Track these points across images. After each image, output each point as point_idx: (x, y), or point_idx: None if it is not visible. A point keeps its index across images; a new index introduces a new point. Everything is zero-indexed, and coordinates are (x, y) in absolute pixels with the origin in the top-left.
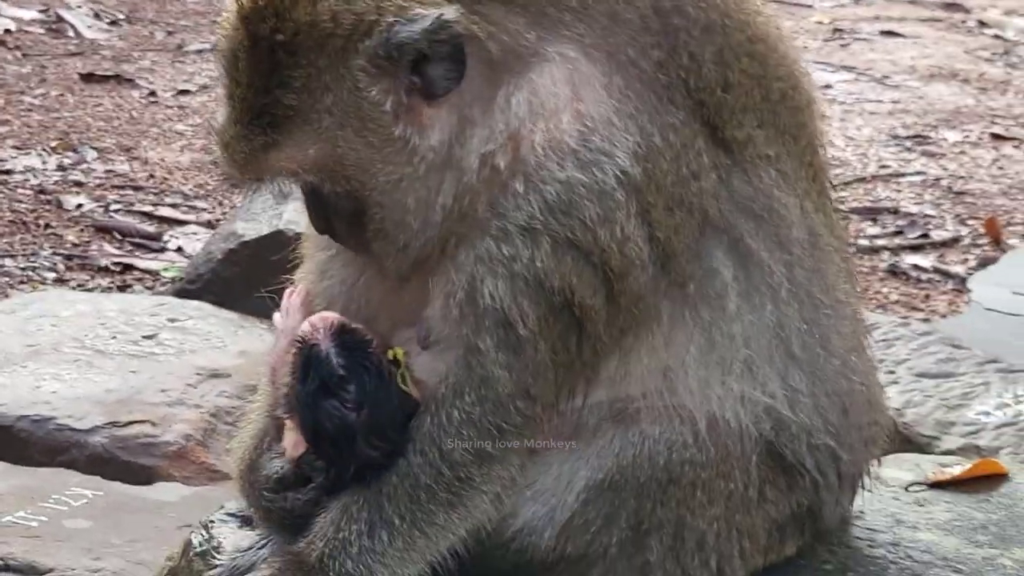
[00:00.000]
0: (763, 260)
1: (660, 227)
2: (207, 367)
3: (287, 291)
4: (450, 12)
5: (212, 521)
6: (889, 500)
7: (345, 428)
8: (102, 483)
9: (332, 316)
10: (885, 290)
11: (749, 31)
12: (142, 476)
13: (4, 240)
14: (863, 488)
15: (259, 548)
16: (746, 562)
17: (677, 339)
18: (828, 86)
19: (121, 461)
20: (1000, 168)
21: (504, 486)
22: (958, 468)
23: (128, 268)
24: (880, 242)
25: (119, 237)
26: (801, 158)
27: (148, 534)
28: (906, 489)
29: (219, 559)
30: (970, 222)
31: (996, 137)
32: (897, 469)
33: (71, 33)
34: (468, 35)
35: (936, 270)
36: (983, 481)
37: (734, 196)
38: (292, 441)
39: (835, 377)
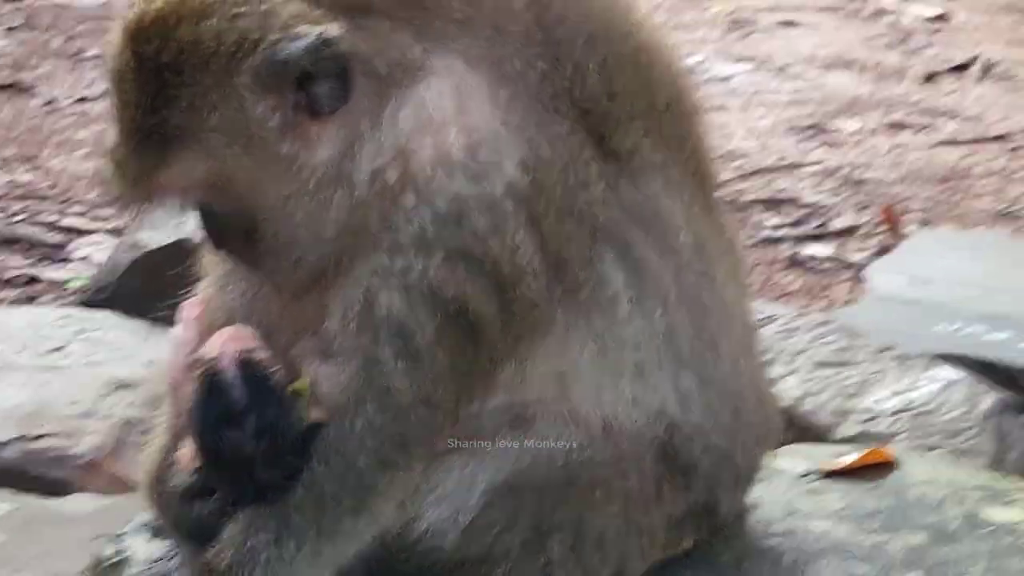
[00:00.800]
0: (652, 267)
1: (550, 236)
2: (116, 378)
3: (185, 303)
4: (333, 29)
5: (123, 533)
6: (784, 490)
7: (243, 458)
8: (16, 496)
9: (239, 338)
10: (786, 280)
11: (634, 41)
12: (55, 489)
13: None
14: (757, 481)
15: (170, 559)
16: (645, 558)
17: (571, 345)
18: (728, 77)
19: (33, 474)
20: (897, 156)
21: (408, 492)
22: (849, 457)
23: (34, 280)
24: (780, 232)
25: (24, 248)
26: (687, 165)
27: (63, 546)
28: (800, 479)
29: (130, 571)
30: (868, 210)
31: (893, 125)
32: (792, 459)
33: None
34: (353, 52)
35: (835, 259)
36: (874, 469)
37: (623, 204)
38: (188, 455)
39: (725, 378)
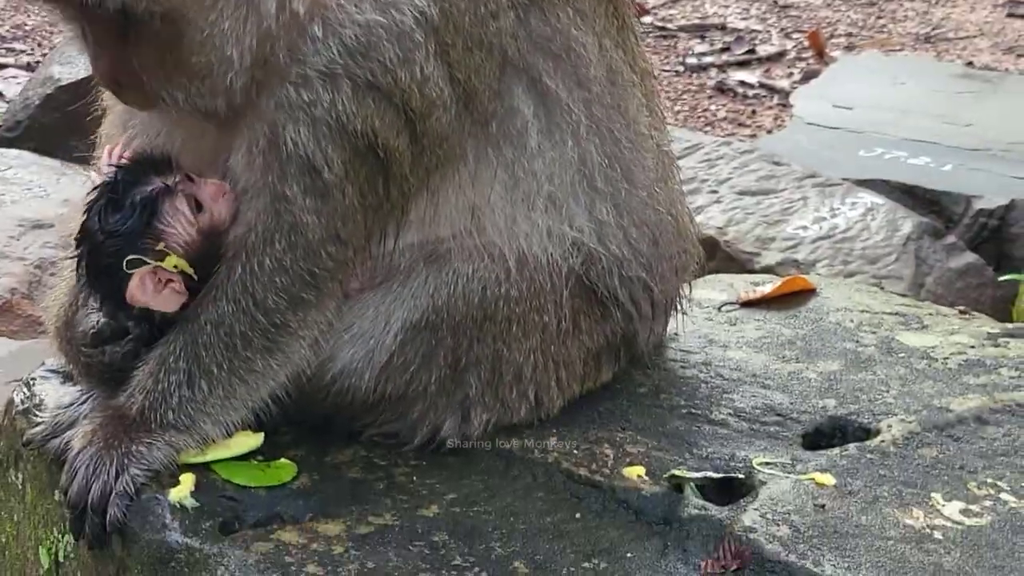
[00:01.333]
0: (562, 98)
1: (460, 67)
2: (30, 217)
3: (106, 147)
4: None
5: (33, 378)
6: (702, 321)
7: (89, 233)
8: None
9: (211, 192)
10: (713, 107)
11: None
12: None
13: None
14: (676, 312)
15: (80, 404)
16: (563, 391)
17: (482, 177)
18: None
19: None
20: None
21: (321, 331)
22: (768, 286)
23: None
24: (708, 59)
25: None
26: None
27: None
28: (719, 309)
29: (41, 416)
30: (795, 36)
31: None
32: (711, 290)
33: None
34: None
35: (762, 85)
36: (792, 297)
37: (532, 36)
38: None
39: (641, 208)
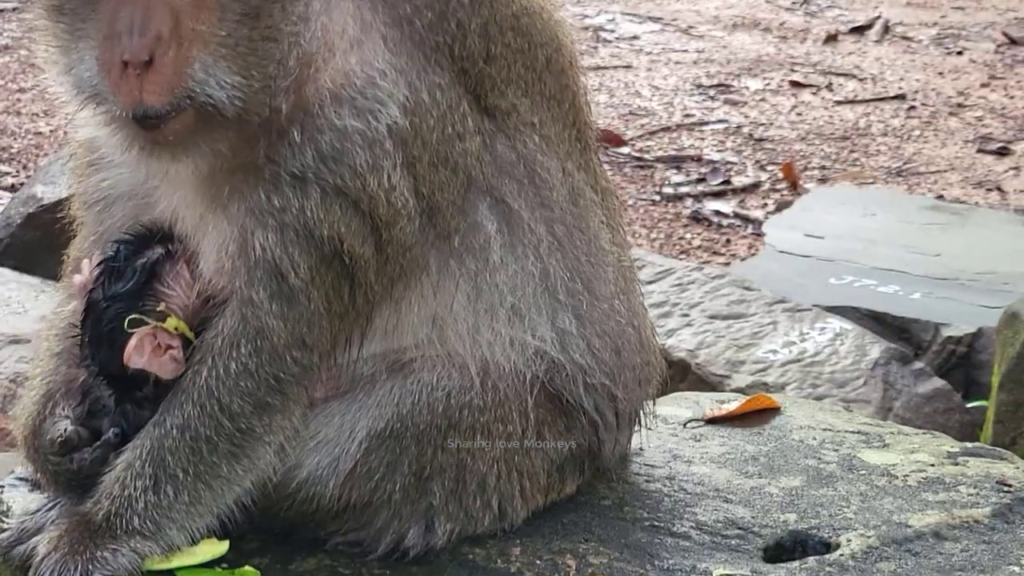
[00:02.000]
0: (524, 217)
1: (424, 182)
2: (7, 333)
3: (85, 260)
4: None
5: (1, 486)
6: (667, 437)
7: (93, 302)
8: None
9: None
10: (688, 236)
11: (515, 6)
12: None
13: None
14: (641, 426)
15: (48, 510)
16: (527, 502)
17: (445, 288)
18: (635, 37)
19: None
20: (798, 115)
21: (287, 436)
22: (734, 404)
23: None
24: (684, 189)
25: None
26: (564, 120)
27: None
28: (684, 426)
29: (7, 523)
30: (770, 168)
31: (795, 84)
32: (676, 407)
33: None
34: None
35: (737, 215)
36: (757, 415)
37: (497, 161)
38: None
39: (603, 319)
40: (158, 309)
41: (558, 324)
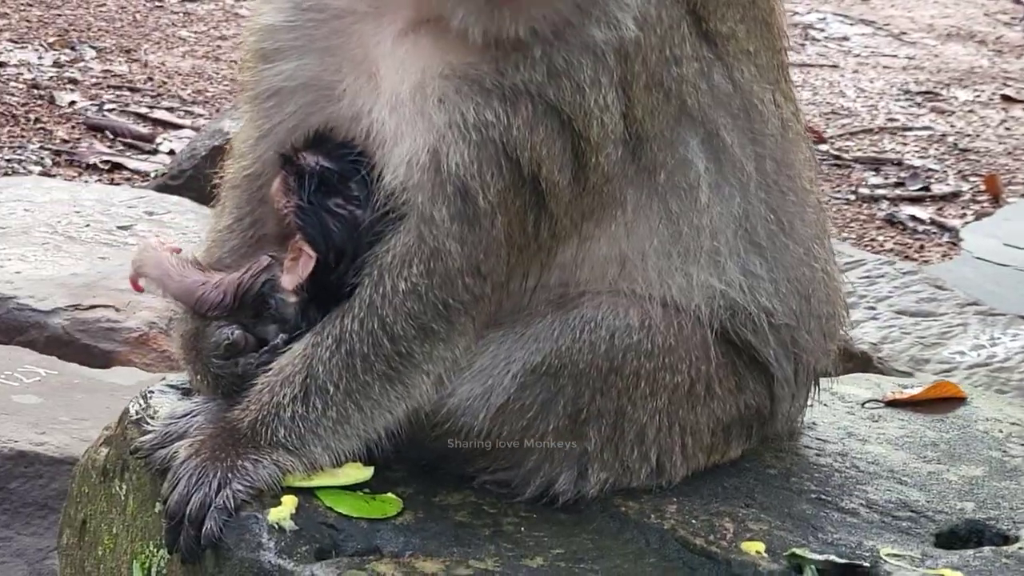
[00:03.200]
0: (735, 154)
1: (637, 104)
2: None
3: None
4: None
5: (151, 391)
6: (844, 415)
7: (352, 223)
8: (57, 363)
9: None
10: (881, 238)
11: None
12: (101, 360)
13: None
14: (818, 390)
15: (193, 415)
16: (688, 459)
17: (640, 229)
18: (845, 38)
19: (81, 344)
20: (1007, 129)
21: (447, 368)
22: (917, 389)
23: (117, 167)
24: (880, 192)
25: (110, 136)
26: (774, 46)
27: (97, 413)
28: (862, 405)
29: (152, 425)
30: (972, 179)
31: (1006, 99)
32: (856, 387)
33: None
34: None
35: (933, 222)
36: (941, 403)
37: (713, 91)
38: (300, 265)
39: (797, 264)
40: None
41: (749, 267)
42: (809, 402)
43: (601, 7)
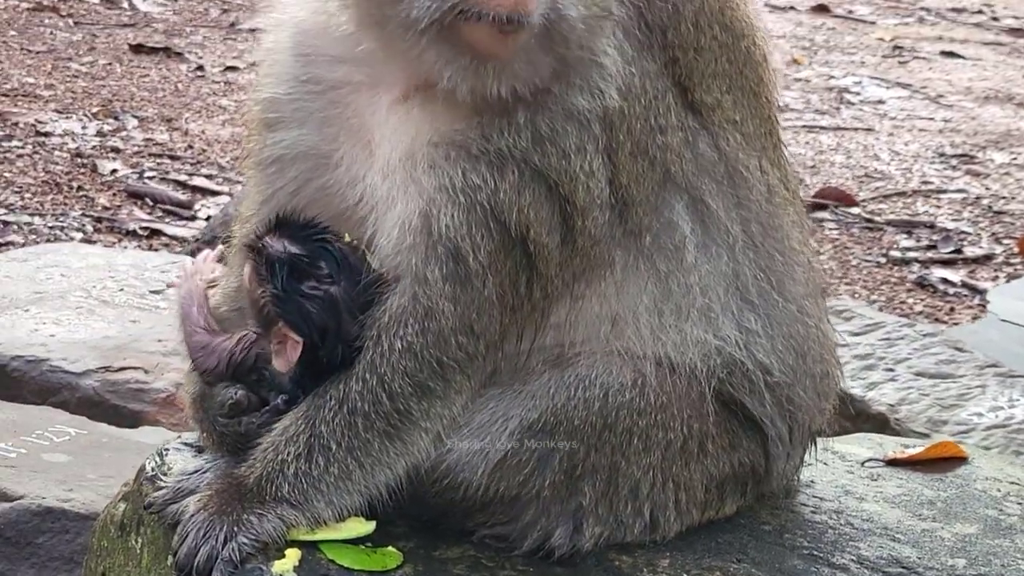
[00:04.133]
0: (720, 217)
1: (622, 171)
2: None
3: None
4: None
5: (167, 449)
6: (842, 473)
7: (330, 302)
8: (87, 423)
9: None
10: (911, 301)
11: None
12: (130, 420)
13: (36, 199)
14: (814, 450)
15: (204, 472)
16: (681, 515)
17: (630, 289)
18: (881, 101)
19: (110, 404)
20: None
21: (445, 425)
22: (919, 448)
23: (156, 233)
24: (912, 255)
25: (150, 203)
26: (761, 115)
27: (123, 471)
28: (862, 464)
29: (165, 482)
30: (1006, 241)
31: None
32: (858, 447)
33: (125, 5)
34: None
35: (964, 284)
36: (942, 463)
37: (698, 160)
38: (287, 350)
39: (791, 322)
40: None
41: (744, 323)
42: (807, 460)
43: (583, 76)
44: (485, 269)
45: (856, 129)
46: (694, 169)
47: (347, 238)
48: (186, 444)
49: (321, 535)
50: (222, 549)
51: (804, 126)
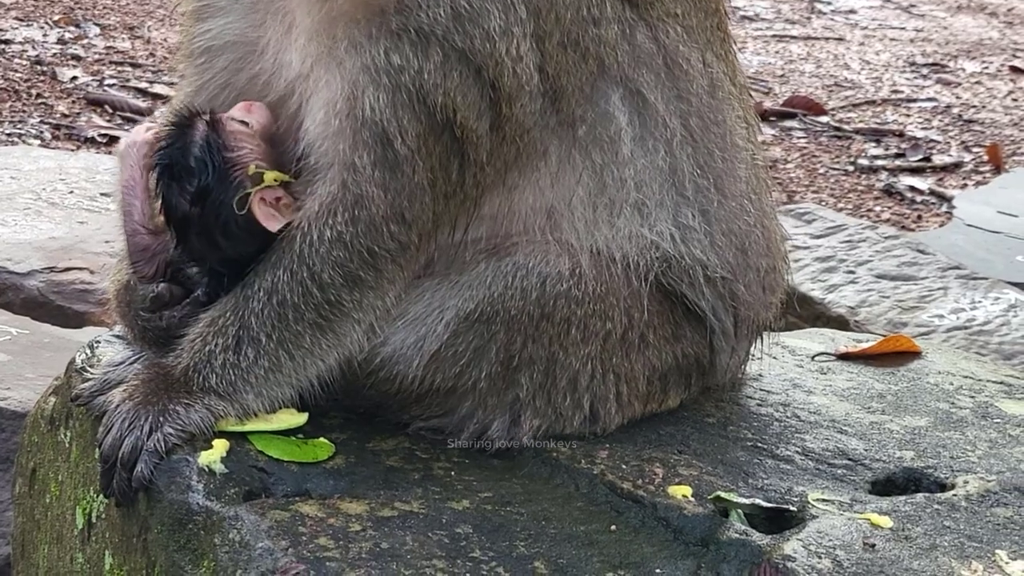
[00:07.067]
0: (659, 110)
1: (551, 60)
2: None
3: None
4: None
5: (97, 342)
6: (792, 367)
7: (181, 215)
8: (29, 323)
9: (242, 108)
10: (878, 208)
11: None
12: (75, 321)
13: None
14: (761, 343)
15: (130, 363)
16: (623, 407)
17: (565, 180)
18: (852, 11)
19: (55, 305)
20: (1014, 100)
21: (378, 316)
22: (871, 343)
23: (114, 140)
24: (880, 163)
25: (110, 111)
26: (707, 8)
27: (62, 370)
28: (812, 359)
29: (92, 373)
30: (975, 149)
31: (1015, 70)
32: (809, 341)
33: None
34: None
35: (932, 192)
36: (894, 357)
37: (635, 51)
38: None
39: (730, 218)
40: (250, 174)
41: (680, 219)
42: (755, 354)
43: None
44: (414, 154)
45: (827, 39)
46: (630, 61)
47: (267, 175)
48: (118, 336)
49: (251, 426)
50: (147, 440)
51: (774, 35)
